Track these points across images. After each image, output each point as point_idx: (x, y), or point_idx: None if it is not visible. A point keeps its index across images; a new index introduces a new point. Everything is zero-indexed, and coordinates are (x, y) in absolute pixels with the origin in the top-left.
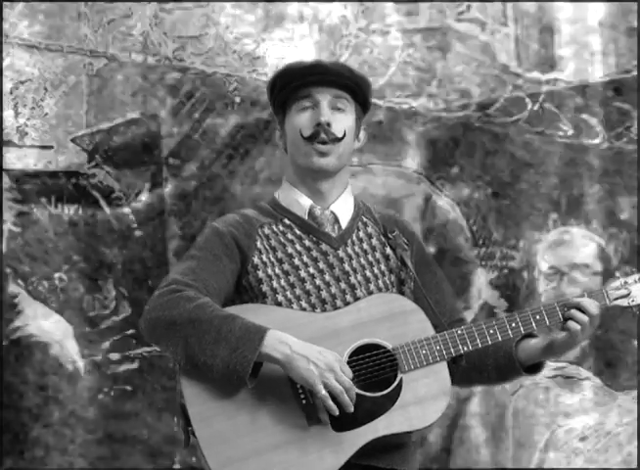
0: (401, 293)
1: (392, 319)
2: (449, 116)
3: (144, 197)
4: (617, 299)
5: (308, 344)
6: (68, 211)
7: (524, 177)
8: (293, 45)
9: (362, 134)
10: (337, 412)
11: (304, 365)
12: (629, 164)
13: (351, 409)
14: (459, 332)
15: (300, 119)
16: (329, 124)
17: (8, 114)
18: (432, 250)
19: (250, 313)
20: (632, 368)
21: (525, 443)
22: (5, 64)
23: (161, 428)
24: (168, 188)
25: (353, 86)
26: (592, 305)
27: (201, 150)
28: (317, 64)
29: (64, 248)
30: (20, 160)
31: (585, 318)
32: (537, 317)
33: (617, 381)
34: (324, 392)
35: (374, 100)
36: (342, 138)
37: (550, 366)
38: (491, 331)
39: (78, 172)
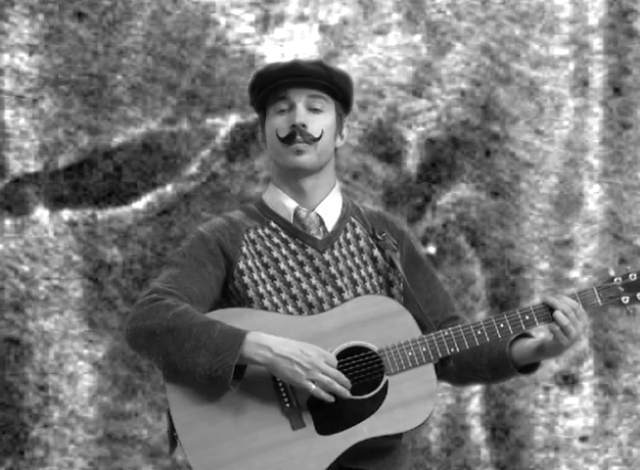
0: (390, 295)
1: (379, 321)
2: (449, 115)
3: (144, 197)
4: (609, 298)
5: (288, 341)
6: (68, 211)
7: (524, 177)
8: (293, 45)
9: (345, 131)
10: (332, 399)
11: (289, 367)
12: (629, 164)
13: (348, 394)
14: (446, 333)
15: (277, 121)
16: (304, 125)
17: (8, 113)
18: (432, 250)
19: (234, 318)
20: (632, 368)
21: (526, 443)
22: (5, 64)
23: (161, 428)
24: (168, 188)
25: (330, 86)
26: (565, 306)
27: (201, 150)
28: (293, 64)
29: (64, 248)
30: (19, 160)
31: (565, 321)
32: (526, 318)
33: (617, 381)
34: (314, 387)
35: (374, 99)
36: (320, 138)
37: (550, 366)
38: (479, 332)
39: (78, 172)
